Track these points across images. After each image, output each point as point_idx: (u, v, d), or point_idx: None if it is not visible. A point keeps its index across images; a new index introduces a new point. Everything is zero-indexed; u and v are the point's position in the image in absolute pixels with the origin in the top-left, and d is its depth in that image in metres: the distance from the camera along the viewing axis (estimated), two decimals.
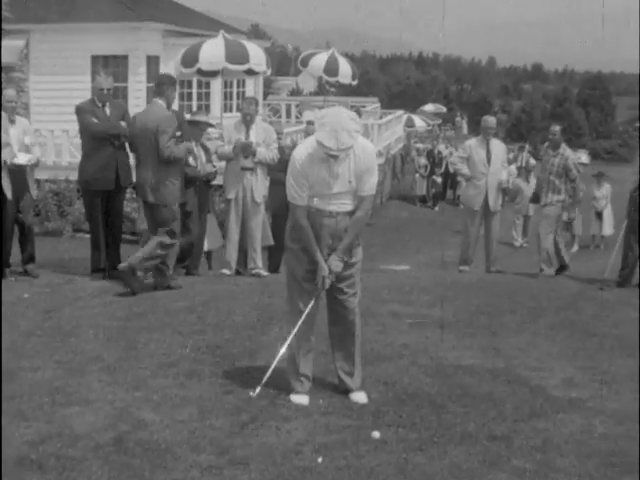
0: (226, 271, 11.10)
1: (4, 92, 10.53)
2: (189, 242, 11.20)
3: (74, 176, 10.81)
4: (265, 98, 39.41)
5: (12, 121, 10.40)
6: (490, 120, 12.97)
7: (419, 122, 44.03)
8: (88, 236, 11.33)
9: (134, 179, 10.26)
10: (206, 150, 11.30)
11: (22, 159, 10.34)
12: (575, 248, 22.60)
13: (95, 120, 10.27)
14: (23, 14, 25.74)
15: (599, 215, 22.70)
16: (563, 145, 12.32)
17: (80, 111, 10.38)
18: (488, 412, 5.90)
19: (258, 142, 10.89)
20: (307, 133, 12.07)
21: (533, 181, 24.02)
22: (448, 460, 5.11)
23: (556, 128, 12.38)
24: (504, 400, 6.16)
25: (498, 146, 12.80)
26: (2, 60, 18.57)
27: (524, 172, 23.90)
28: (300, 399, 6.01)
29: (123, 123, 10.38)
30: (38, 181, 12.00)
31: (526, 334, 8.15)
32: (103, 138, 10.27)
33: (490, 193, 12.48)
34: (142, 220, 10.48)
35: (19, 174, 10.35)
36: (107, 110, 10.40)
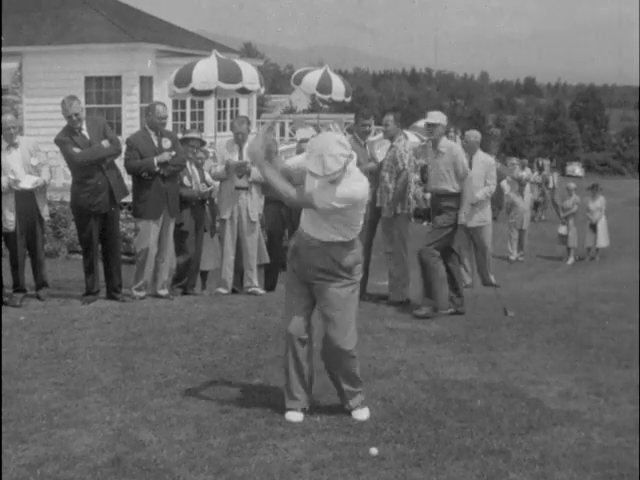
0: (222, 290, 11.12)
1: (3, 117, 10.40)
2: (186, 261, 11.22)
3: (69, 197, 10.71)
4: (259, 116, 39.51)
5: (14, 145, 10.30)
6: (469, 135, 13.09)
7: (413, 138, 44.03)
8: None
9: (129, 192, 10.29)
10: (200, 169, 11.34)
11: (27, 183, 10.13)
12: (571, 260, 22.67)
13: (77, 150, 10.02)
14: (16, 36, 25.84)
15: (594, 227, 22.76)
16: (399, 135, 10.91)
17: (60, 143, 10.13)
18: (485, 426, 5.90)
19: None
20: (298, 151, 12.10)
21: (528, 195, 24.14)
22: (446, 475, 5.11)
23: (390, 117, 10.83)
24: (501, 414, 6.16)
25: (480, 162, 12.76)
26: None
27: (518, 186, 23.98)
28: (294, 416, 6.01)
29: (105, 142, 10.16)
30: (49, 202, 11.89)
31: (522, 348, 8.16)
32: (91, 165, 10.10)
33: (462, 209, 12.49)
34: (139, 240, 10.44)
35: (28, 198, 10.28)
36: (85, 134, 10.13)
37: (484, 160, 12.94)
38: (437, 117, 10.26)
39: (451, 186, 9.86)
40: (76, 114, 10.09)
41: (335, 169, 5.65)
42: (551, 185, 33.56)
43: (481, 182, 12.59)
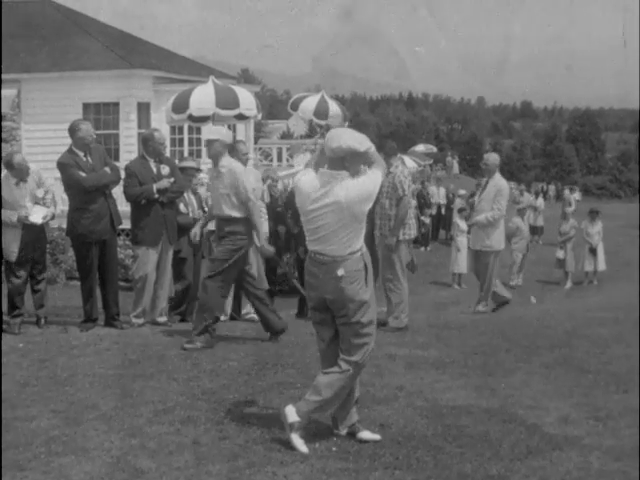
0: (221, 317, 11.10)
1: (14, 157, 10.40)
2: (184, 288, 11.24)
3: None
4: (256, 142, 39.59)
5: (24, 180, 10.33)
6: (488, 157, 12.98)
7: (410, 163, 44.18)
8: None
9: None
10: (197, 196, 11.38)
11: (37, 218, 10.17)
12: (569, 285, 22.70)
13: (83, 174, 10.01)
14: (14, 63, 25.93)
15: (593, 251, 22.79)
16: (397, 161, 10.84)
17: (65, 167, 10.09)
18: (484, 452, 5.90)
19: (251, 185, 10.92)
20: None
21: (526, 221, 24.22)
22: None
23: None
24: (500, 439, 6.16)
25: (492, 185, 12.60)
26: None
27: (516, 211, 24.05)
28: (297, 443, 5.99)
29: (106, 168, 10.23)
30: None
31: (521, 373, 8.16)
32: (96, 190, 10.11)
33: (472, 232, 12.53)
34: (138, 266, 10.45)
35: (36, 229, 10.28)
36: (89, 159, 10.16)
37: (496, 184, 12.57)
38: (215, 132, 9.59)
39: (235, 210, 9.21)
40: (92, 137, 10.24)
41: (369, 144, 5.89)
42: (573, 207, 33.01)
43: (489, 206, 12.47)
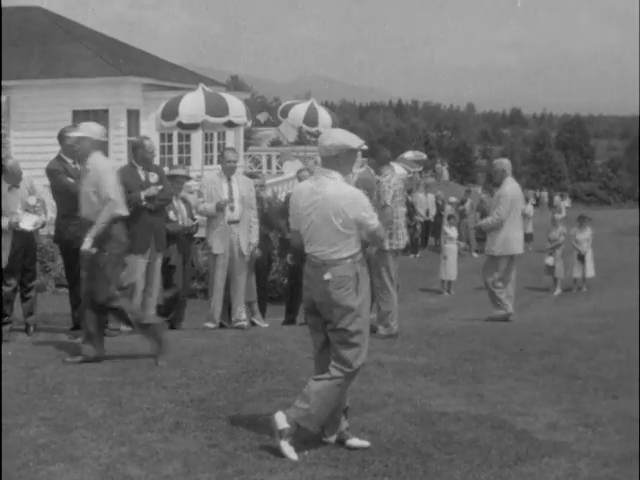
0: (210, 324, 11.09)
1: (7, 162, 10.38)
2: (173, 296, 11.24)
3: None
4: (246, 149, 39.60)
5: (16, 186, 10.31)
6: (497, 163, 12.99)
7: (400, 170, 44.22)
8: None
9: None
10: (187, 204, 11.38)
11: (27, 224, 10.16)
12: (558, 291, 22.73)
13: (71, 180, 9.95)
14: (3, 70, 25.88)
15: (582, 258, 22.82)
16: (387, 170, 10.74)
17: (53, 173, 10.07)
18: (473, 459, 5.90)
19: (242, 193, 10.92)
20: (300, 180, 12.16)
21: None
22: None
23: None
24: (489, 446, 6.16)
25: (497, 191, 12.68)
26: None
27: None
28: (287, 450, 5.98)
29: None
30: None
31: (510, 379, 8.17)
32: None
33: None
34: (126, 274, 10.42)
35: (26, 236, 10.26)
36: (77, 166, 10.00)
37: (500, 190, 12.55)
38: (85, 129, 8.96)
39: (95, 210, 8.72)
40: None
41: (362, 142, 6.09)
42: (563, 214, 32.86)
43: (494, 211, 12.53)
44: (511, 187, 12.50)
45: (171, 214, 11.08)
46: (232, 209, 10.84)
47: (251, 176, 13.65)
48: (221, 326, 11.21)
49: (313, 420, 6.04)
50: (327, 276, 5.93)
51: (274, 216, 13.17)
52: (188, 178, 11.96)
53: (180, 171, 11.82)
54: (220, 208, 10.74)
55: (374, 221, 6.01)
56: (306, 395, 6.02)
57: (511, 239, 12.39)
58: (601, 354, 9.40)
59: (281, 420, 5.96)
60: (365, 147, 6.13)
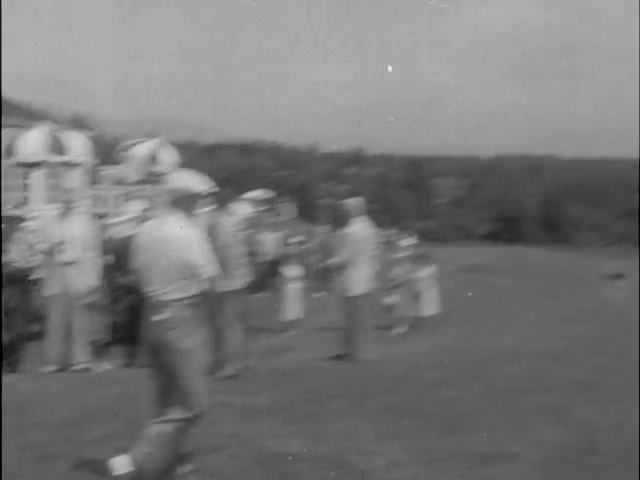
0: (48, 367, 10.82)
1: None
2: (13, 338, 10.93)
3: None
4: (90, 188, 38.95)
5: None
6: (339, 204, 13.03)
7: (247, 209, 44.17)
8: None
9: None
10: (23, 245, 11.12)
11: None
12: (399, 330, 23.08)
13: None
14: None
15: (422, 296, 23.21)
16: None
17: None
18: None
19: (79, 234, 10.74)
20: (142, 220, 12.03)
21: None
22: None
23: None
24: None
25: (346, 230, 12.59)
26: None
27: None
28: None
29: None
30: None
31: (352, 418, 8.23)
32: None
33: None
34: None
35: None
36: None
37: (347, 229, 12.41)
38: None
39: None
40: None
41: (209, 185, 6.30)
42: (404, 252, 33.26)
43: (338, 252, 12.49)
44: (358, 227, 12.60)
45: (12, 254, 10.81)
46: (63, 250, 10.64)
47: (99, 216, 13.48)
48: (60, 370, 10.94)
49: (154, 463, 5.94)
50: (159, 316, 5.88)
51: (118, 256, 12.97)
52: (23, 219, 11.71)
53: (16, 212, 11.55)
54: (50, 250, 10.55)
55: (208, 268, 5.95)
56: (146, 438, 5.92)
57: (360, 278, 12.50)
58: (442, 391, 9.58)
59: (119, 465, 5.84)
60: (213, 189, 6.15)
